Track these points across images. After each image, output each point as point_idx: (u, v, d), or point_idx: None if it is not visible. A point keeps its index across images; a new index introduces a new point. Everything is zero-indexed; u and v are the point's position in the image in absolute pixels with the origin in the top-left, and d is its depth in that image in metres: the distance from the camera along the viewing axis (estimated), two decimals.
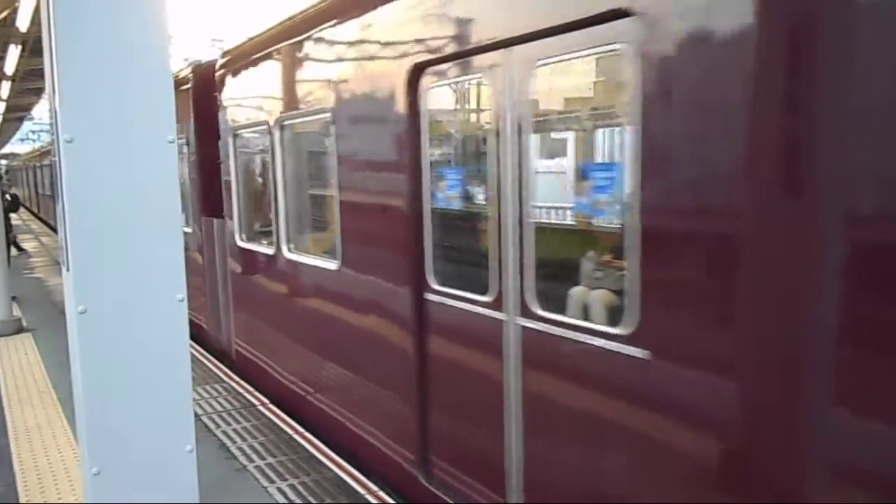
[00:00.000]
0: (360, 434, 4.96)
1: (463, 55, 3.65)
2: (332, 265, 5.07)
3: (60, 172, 2.28)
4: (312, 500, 4.44)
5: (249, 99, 6.76)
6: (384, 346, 4.49)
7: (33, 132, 53.76)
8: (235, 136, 6.97)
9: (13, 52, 14.49)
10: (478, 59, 3.56)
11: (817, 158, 2.16)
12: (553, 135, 4.71)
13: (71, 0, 2.22)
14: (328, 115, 4.95)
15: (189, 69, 8.17)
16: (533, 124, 3.34)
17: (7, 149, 63.19)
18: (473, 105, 4.40)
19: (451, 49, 3.70)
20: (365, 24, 4.53)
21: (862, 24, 2.06)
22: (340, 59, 4.85)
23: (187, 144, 8.16)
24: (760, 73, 2.29)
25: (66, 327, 2.53)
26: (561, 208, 4.55)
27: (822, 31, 2.16)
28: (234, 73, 6.93)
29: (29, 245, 20.83)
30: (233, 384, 6.93)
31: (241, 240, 7.04)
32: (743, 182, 2.36)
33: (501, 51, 3.35)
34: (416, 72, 3.94)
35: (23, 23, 11.48)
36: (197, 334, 8.18)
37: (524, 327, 3.39)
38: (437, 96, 4.04)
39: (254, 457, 5.13)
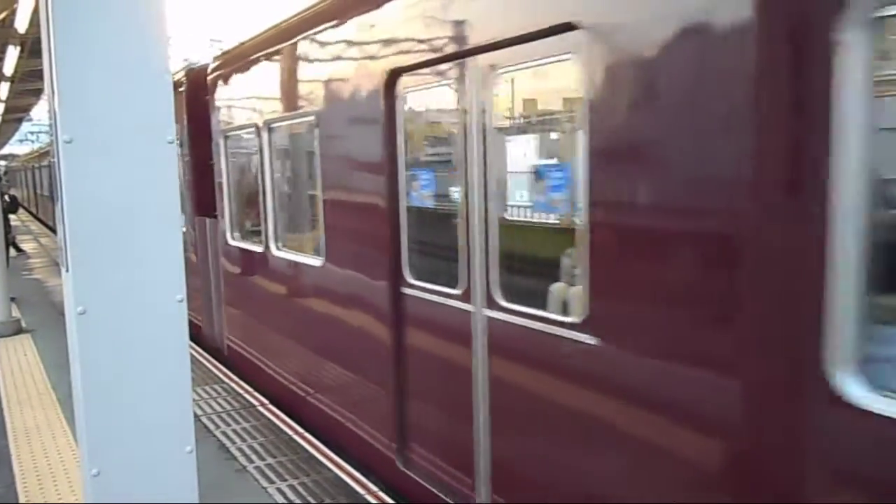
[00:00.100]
0: (342, 422, 5.15)
1: (433, 62, 3.90)
2: (316, 262, 5.31)
3: (59, 173, 2.28)
4: (312, 501, 4.45)
5: (239, 102, 7.00)
6: (365, 338, 4.71)
7: (32, 133, 53.79)
8: (226, 137, 7.19)
9: (12, 53, 14.50)
10: (446, 67, 3.82)
11: (718, 162, 2.44)
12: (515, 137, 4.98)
13: (70, 1, 2.22)
14: (312, 117, 5.19)
15: (182, 72, 8.33)
16: (495, 127, 3.59)
17: (6, 150, 63.19)
18: (443, 109, 4.54)
19: (423, 57, 3.95)
20: (345, 31, 4.76)
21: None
22: (323, 65, 5.12)
23: (181, 145, 8.24)
24: (678, 81, 2.57)
25: (65, 328, 2.53)
26: (525, 207, 4.75)
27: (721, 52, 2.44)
28: (225, 77, 7.17)
29: (28, 246, 20.82)
30: (232, 385, 6.93)
31: (233, 239, 7.25)
32: (668, 182, 2.63)
33: (467, 59, 3.63)
34: (393, 77, 4.18)
35: (21, 24, 11.48)
36: (195, 333, 8.19)
37: (490, 318, 3.63)
38: (411, 101, 4.29)
39: (253, 457, 5.13)
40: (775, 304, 2.27)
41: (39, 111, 35.56)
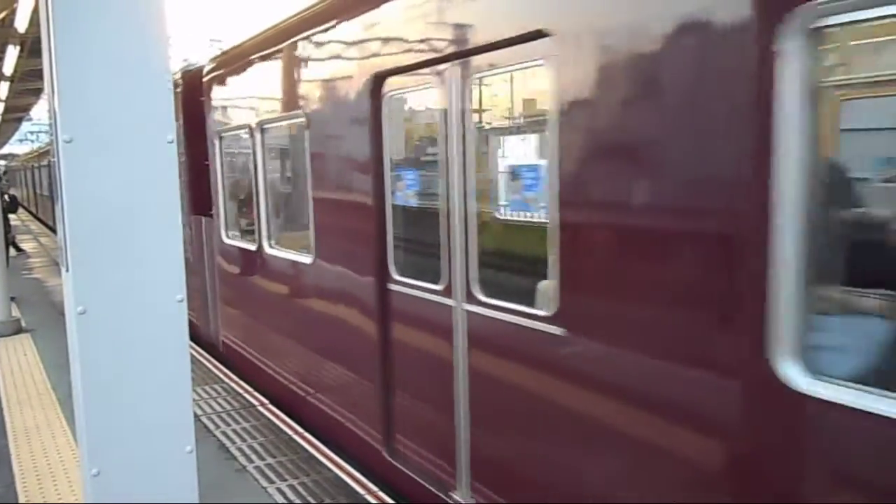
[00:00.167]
0: (333, 415, 5.35)
1: (415, 67, 4.06)
2: (307, 259, 5.47)
3: (59, 173, 2.27)
4: (312, 501, 4.45)
5: (233, 103, 7.17)
6: (353, 333, 4.88)
7: (32, 133, 53.79)
8: (220, 138, 7.36)
9: (12, 53, 14.50)
10: (428, 71, 3.97)
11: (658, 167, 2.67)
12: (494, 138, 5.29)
13: (70, 0, 2.22)
14: (302, 119, 5.35)
15: (178, 74, 8.47)
16: (475, 129, 3.79)
17: (6, 149, 63.19)
18: (426, 111, 4.74)
19: (406, 61, 4.12)
20: (333, 36, 4.94)
21: None
22: (313, 68, 5.31)
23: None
24: (636, 87, 2.76)
25: (65, 328, 2.53)
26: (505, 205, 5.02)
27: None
28: (219, 79, 7.36)
29: (28, 245, 20.82)
30: (232, 384, 6.93)
31: (227, 237, 7.44)
32: (627, 182, 2.81)
33: (447, 64, 3.79)
34: (378, 80, 4.35)
35: (21, 23, 11.48)
36: (191, 330, 8.24)
37: (469, 312, 3.80)
38: (394, 103, 4.47)
39: (253, 457, 5.13)
40: (723, 296, 2.46)
41: (39, 111, 35.59)
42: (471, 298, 3.77)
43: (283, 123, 6.10)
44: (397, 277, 4.42)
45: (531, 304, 3.41)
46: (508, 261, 4.24)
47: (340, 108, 4.89)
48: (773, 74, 2.19)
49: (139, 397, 2.41)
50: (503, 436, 3.68)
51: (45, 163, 28.54)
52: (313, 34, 5.21)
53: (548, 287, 3.37)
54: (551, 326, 3.18)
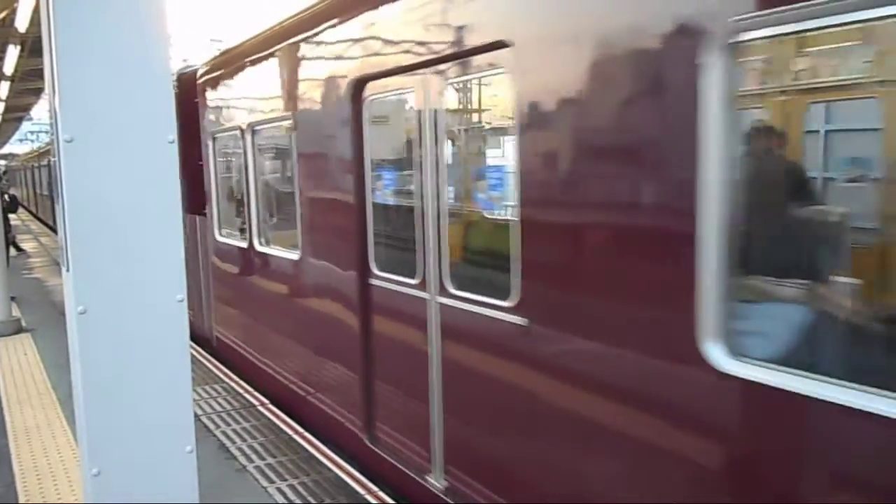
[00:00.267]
0: (317, 403, 5.57)
1: (392, 73, 4.28)
2: (294, 256, 5.72)
3: (60, 172, 2.27)
4: (312, 501, 4.45)
5: (225, 105, 7.40)
6: (337, 325, 5.10)
7: (32, 132, 53.79)
8: (214, 139, 7.61)
9: (12, 53, 14.49)
10: (404, 77, 4.20)
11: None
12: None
13: (71, 0, 2.22)
14: (290, 121, 5.57)
15: (174, 76, 8.45)
16: (447, 132, 4.00)
17: (6, 149, 63.19)
18: (403, 114, 4.93)
19: (384, 67, 4.34)
20: (318, 42, 5.18)
21: None
22: (300, 72, 5.52)
23: None
24: (584, 95, 3.00)
25: (65, 328, 2.53)
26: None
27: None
28: (213, 82, 7.60)
29: (28, 245, 20.82)
30: (232, 384, 6.93)
31: (220, 235, 7.70)
32: (579, 183, 3.06)
33: (421, 70, 4.01)
34: (359, 85, 4.57)
35: (22, 23, 11.48)
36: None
37: (441, 304, 4.02)
38: (376, 107, 4.68)
39: (253, 457, 5.14)
40: (660, 285, 2.73)
41: (39, 110, 35.60)
42: (443, 291, 4.00)
43: (273, 125, 6.28)
44: (377, 272, 4.62)
45: (504, 296, 3.55)
46: (480, 255, 4.52)
47: (325, 111, 5.09)
48: (696, 85, 2.46)
49: (139, 397, 2.42)
50: (473, 422, 3.90)
51: (45, 162, 28.55)
52: (300, 40, 5.41)
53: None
54: (514, 316, 3.41)
